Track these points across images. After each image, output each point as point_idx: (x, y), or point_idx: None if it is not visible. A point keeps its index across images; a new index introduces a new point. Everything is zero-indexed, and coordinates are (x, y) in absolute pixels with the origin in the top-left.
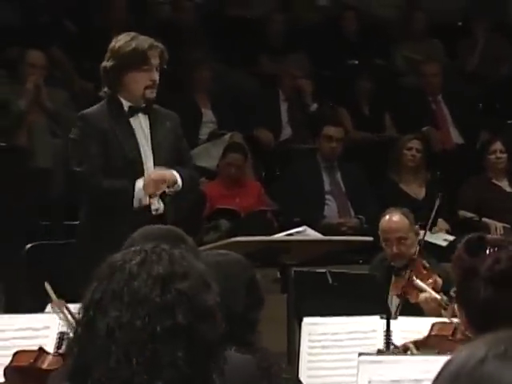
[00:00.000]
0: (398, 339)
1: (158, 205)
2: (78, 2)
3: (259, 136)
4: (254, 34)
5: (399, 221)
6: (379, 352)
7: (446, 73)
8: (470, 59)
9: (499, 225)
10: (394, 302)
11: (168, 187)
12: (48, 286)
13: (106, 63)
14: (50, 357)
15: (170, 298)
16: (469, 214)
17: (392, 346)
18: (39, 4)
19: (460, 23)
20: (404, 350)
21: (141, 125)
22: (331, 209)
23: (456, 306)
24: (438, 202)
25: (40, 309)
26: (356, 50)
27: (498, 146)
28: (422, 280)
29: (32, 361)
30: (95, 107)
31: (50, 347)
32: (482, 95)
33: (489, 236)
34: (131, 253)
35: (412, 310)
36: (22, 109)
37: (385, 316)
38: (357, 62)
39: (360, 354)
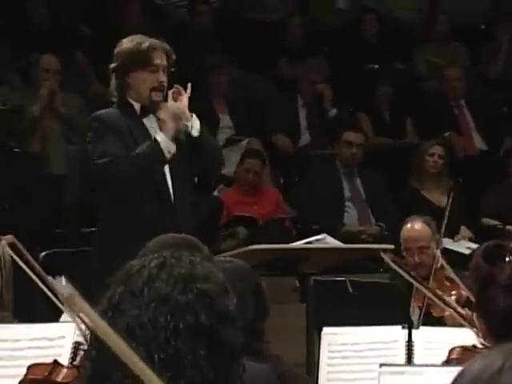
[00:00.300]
0: (419, 350)
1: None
2: (95, 6)
3: (277, 142)
4: (271, 38)
5: (421, 229)
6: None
7: (469, 77)
8: (493, 63)
9: None
10: (415, 311)
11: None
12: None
13: (112, 65)
14: (65, 370)
15: (191, 297)
16: (492, 222)
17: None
18: (60, 9)
19: (483, 26)
20: None
21: (152, 125)
22: (351, 216)
23: (475, 315)
24: (449, 201)
25: (55, 318)
26: (376, 53)
27: None
28: (444, 292)
29: (47, 374)
30: (108, 109)
31: (65, 357)
32: (505, 100)
33: (506, 243)
34: (149, 258)
35: (434, 319)
36: (36, 114)
37: (406, 326)
38: (377, 67)
39: (381, 365)
